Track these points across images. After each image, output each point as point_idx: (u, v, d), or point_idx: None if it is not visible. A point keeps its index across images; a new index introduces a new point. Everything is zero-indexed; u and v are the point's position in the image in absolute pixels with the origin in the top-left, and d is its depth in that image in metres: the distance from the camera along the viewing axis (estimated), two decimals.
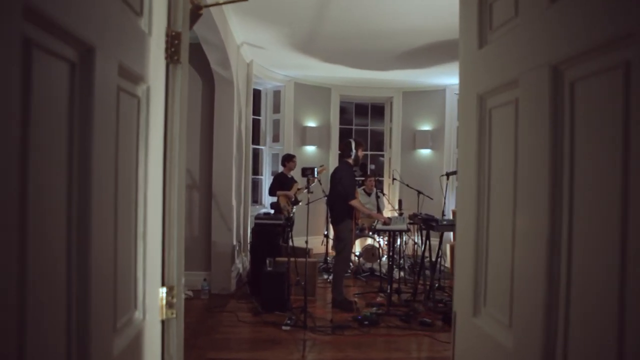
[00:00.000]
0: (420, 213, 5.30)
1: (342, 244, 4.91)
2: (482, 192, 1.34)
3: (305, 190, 4.91)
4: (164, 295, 1.44)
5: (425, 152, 8.52)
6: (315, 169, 4.76)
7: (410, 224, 5.25)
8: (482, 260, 1.33)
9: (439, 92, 8.31)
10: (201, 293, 5.31)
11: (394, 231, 5.13)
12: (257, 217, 5.65)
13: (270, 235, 5.49)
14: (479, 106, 1.35)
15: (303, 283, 4.95)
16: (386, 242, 7.03)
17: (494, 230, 1.27)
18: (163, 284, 1.47)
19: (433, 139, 8.41)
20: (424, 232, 5.33)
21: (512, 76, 1.15)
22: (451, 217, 6.79)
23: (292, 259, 5.08)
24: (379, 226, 4.92)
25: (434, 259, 5.33)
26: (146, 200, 1.26)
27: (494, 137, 1.29)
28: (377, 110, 9.17)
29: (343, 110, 8.87)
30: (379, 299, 5.35)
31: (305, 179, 4.84)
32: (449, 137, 8.24)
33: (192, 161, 5.63)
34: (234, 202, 5.66)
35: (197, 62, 5.49)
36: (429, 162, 8.49)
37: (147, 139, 1.25)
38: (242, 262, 6.35)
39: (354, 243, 5.66)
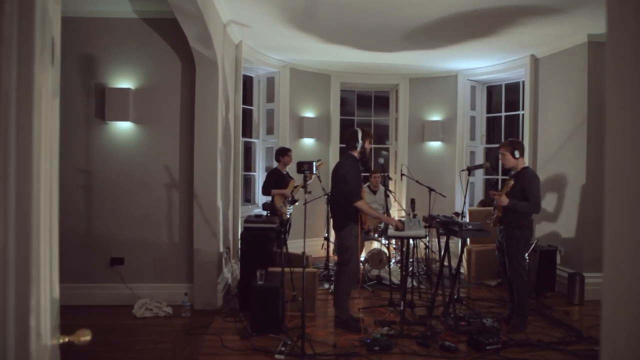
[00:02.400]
0: (438, 215, 4.51)
1: (348, 254, 4.13)
2: None
3: (302, 189, 4.13)
4: None
5: (435, 145, 7.73)
6: (314, 163, 3.97)
7: (425, 227, 4.45)
8: None
9: (449, 78, 7.51)
10: (182, 310, 4.53)
11: (410, 238, 4.35)
12: (247, 221, 4.87)
13: (262, 241, 4.72)
14: None
15: (300, 299, 4.18)
16: (395, 247, 6.27)
17: None
18: None
19: (444, 130, 7.62)
20: (442, 237, 4.56)
21: None
22: (467, 218, 6.02)
23: (288, 270, 4.31)
24: (391, 232, 4.13)
25: (453, 267, 4.56)
26: None
27: None
28: (381, 102, 8.37)
29: (344, 102, 8.07)
30: (389, 316, 4.58)
31: (301, 176, 4.06)
32: (462, 127, 7.44)
33: (171, 156, 4.85)
34: (219, 203, 4.88)
35: (175, 40, 4.72)
36: (440, 155, 7.70)
37: None
38: (231, 272, 5.57)
39: (362, 250, 4.88)
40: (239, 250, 5.08)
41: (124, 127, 4.79)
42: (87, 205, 4.74)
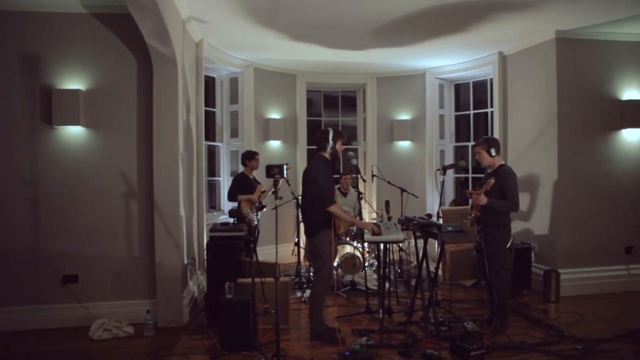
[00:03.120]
0: (415, 217, 4.34)
1: (321, 261, 3.89)
2: None
3: (272, 194, 3.86)
4: None
5: (404, 145, 7.60)
6: (284, 167, 3.71)
7: (402, 229, 4.27)
8: None
9: (417, 77, 7.41)
10: (144, 329, 4.17)
11: (389, 243, 4.15)
12: (213, 230, 4.55)
13: (230, 251, 4.42)
14: None
15: (273, 311, 3.91)
16: (368, 250, 6.08)
17: None
18: None
19: (413, 130, 7.50)
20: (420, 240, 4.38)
21: None
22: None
23: (258, 280, 4.03)
24: (368, 237, 3.92)
25: (431, 271, 4.39)
26: None
27: None
28: (348, 102, 8.19)
29: (310, 102, 7.85)
30: (368, 325, 4.36)
31: (269, 180, 3.78)
32: (431, 126, 7.35)
33: (128, 162, 4.48)
34: (182, 212, 4.54)
35: (130, 37, 4.37)
36: (409, 155, 7.58)
37: None
38: (197, 284, 5.23)
39: (335, 256, 4.65)
40: (205, 261, 4.76)
41: (74, 132, 4.39)
42: (34, 218, 4.31)
